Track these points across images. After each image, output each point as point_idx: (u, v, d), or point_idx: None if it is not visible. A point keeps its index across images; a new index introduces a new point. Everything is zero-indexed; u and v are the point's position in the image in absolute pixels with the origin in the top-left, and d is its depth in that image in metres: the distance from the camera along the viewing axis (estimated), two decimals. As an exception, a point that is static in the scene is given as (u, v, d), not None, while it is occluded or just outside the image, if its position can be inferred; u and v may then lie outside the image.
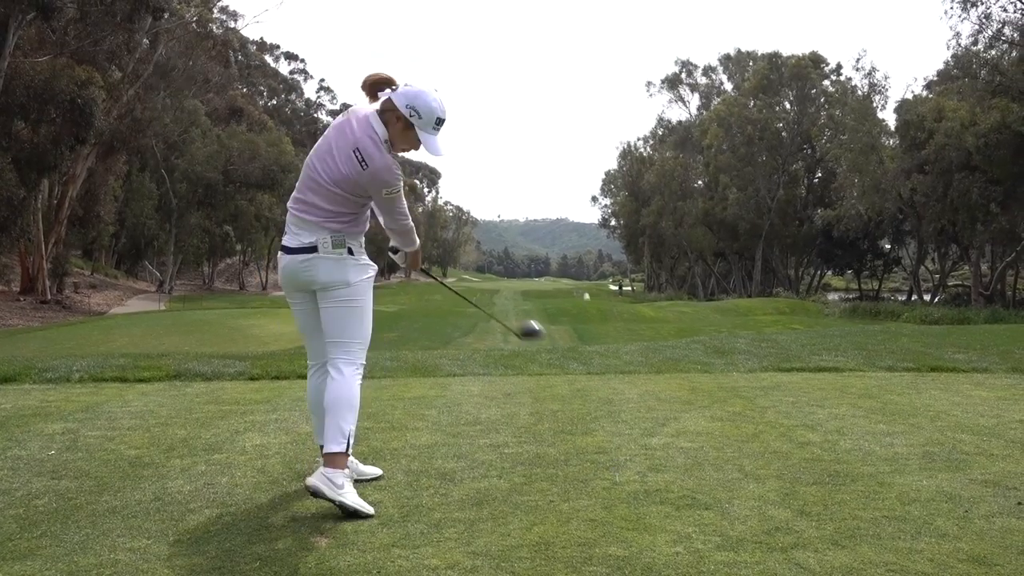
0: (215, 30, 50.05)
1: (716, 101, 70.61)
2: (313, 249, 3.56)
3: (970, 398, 6.07)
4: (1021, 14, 38.15)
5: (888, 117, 53.78)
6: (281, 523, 3.23)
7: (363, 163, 3.45)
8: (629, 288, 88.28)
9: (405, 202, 3.82)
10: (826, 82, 63.99)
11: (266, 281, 65.75)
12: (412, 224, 3.90)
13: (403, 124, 3.50)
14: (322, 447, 3.56)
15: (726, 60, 73.83)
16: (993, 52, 41.68)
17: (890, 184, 47.56)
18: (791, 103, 65.37)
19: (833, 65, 64.24)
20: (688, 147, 73.33)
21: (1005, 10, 38.58)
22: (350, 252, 3.62)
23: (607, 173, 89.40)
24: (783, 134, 64.30)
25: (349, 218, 3.61)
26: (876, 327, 17.75)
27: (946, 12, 73.71)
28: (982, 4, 38.56)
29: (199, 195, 53.29)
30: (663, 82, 76.58)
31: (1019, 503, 3.43)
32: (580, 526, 3.16)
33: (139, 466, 4.10)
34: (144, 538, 3.05)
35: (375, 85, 3.64)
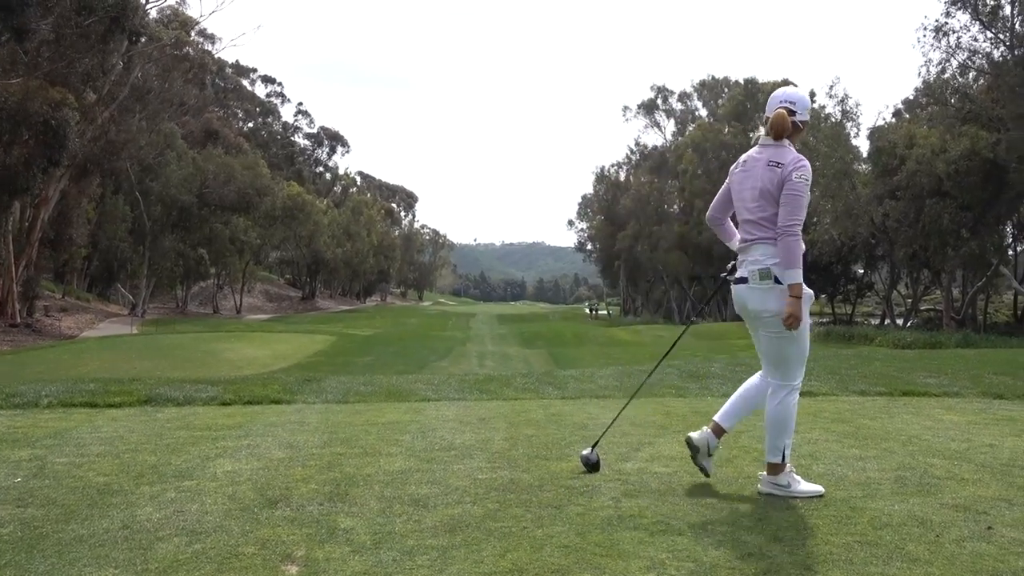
0: (192, 53, 49.95)
1: (691, 127, 71.27)
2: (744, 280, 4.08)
3: (941, 422, 6.13)
4: (990, 44, 38.91)
5: (861, 143, 54.40)
6: (252, 551, 3.19)
7: None
8: (605, 312, 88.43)
9: None
10: (799, 109, 64.80)
11: (240, 304, 65.24)
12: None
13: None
14: (718, 424, 4.26)
15: (701, 87, 74.56)
16: (963, 80, 42.43)
17: (863, 209, 48.11)
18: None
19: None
20: (663, 172, 73.83)
21: (975, 39, 39.33)
22: (777, 281, 3.94)
23: (583, 197, 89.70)
24: (757, 160, 64.96)
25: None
26: (849, 351, 17.91)
27: (918, 40, 74.89)
28: (953, 33, 39.28)
29: (173, 218, 52.89)
30: (639, 107, 77.12)
31: (989, 528, 3.46)
32: (554, 552, 3.15)
33: (107, 493, 4.04)
34: (111, 567, 3.00)
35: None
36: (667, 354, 5.37)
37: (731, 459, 4.78)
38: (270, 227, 63.65)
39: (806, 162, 3.94)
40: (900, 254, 48.23)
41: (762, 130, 4.17)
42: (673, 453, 4.95)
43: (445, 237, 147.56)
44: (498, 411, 6.77)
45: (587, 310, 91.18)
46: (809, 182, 3.93)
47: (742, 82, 67.04)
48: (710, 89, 73.24)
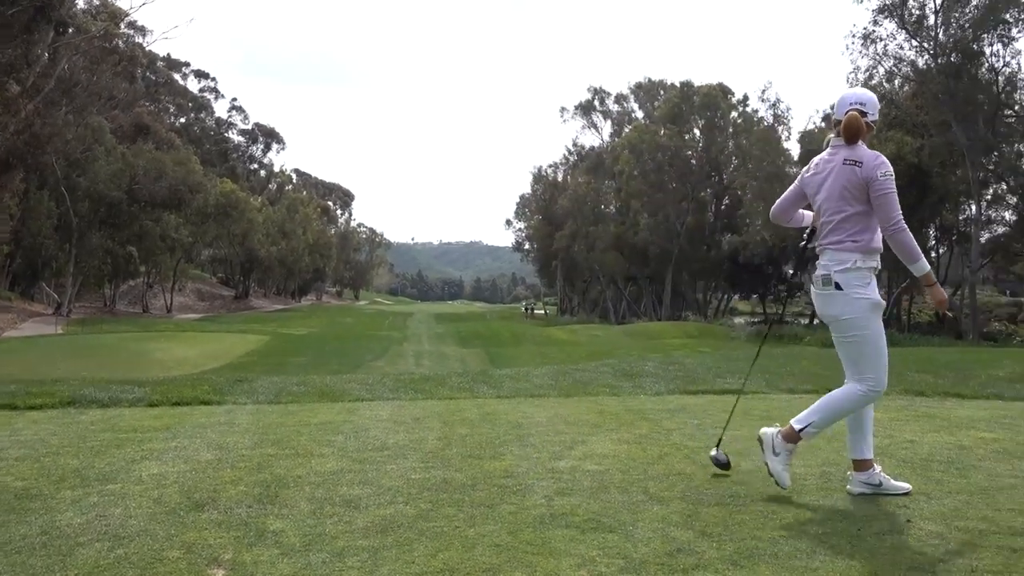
0: (121, 45, 48.65)
1: (628, 128, 71.96)
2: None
3: (865, 419, 6.28)
4: (915, 52, 40.13)
5: (792, 147, 55.79)
6: (177, 555, 3.12)
7: None
8: (542, 312, 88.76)
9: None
10: (734, 112, 66.01)
11: (171, 303, 63.79)
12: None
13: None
14: (855, 460, 4.12)
15: (637, 89, 75.36)
16: (889, 86, 43.70)
17: (793, 212, 49.20)
18: (700, 131, 67.16)
19: (740, 96, 66.31)
20: (600, 172, 74.42)
21: (901, 47, 40.53)
22: (837, 287, 3.97)
23: (521, 197, 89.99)
24: (692, 162, 65.91)
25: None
26: (779, 350, 18.28)
27: (847, 47, 76.99)
28: (880, 41, 40.43)
29: (101, 214, 51.46)
30: (576, 108, 77.70)
31: (908, 521, 3.57)
32: (485, 551, 3.15)
33: (26, 498, 3.91)
34: (28, 575, 2.91)
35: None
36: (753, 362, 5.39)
37: (663, 456, 4.85)
38: (202, 224, 62.35)
39: (884, 158, 3.97)
40: (829, 255, 49.41)
41: (832, 133, 4.16)
42: (606, 451, 4.99)
43: (382, 236, 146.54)
44: (432, 410, 6.75)
45: (523, 309, 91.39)
46: (893, 176, 3.95)
47: (678, 85, 67.95)
48: (646, 91, 74.09)
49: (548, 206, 79.29)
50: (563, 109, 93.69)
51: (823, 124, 53.10)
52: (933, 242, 53.23)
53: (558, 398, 7.62)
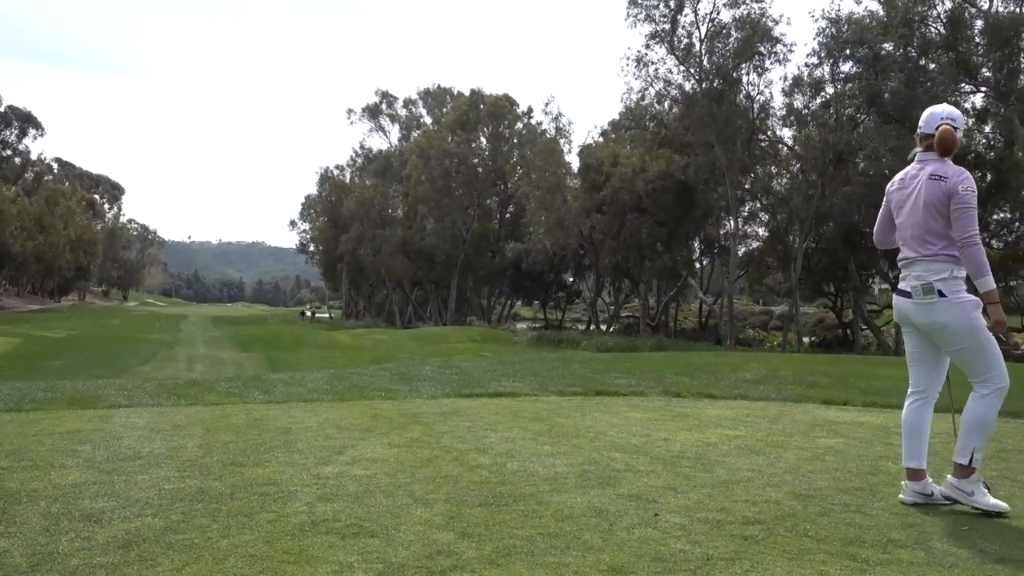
0: None
1: (416, 133, 72.19)
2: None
3: (626, 419, 6.63)
4: (683, 76, 43.02)
5: (572, 160, 58.10)
6: None
7: None
8: (326, 315, 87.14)
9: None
10: (519, 123, 67.85)
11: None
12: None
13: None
14: (907, 469, 4.17)
15: (426, 94, 75.79)
16: (660, 107, 46.62)
17: (573, 222, 51.35)
18: (487, 140, 68.51)
19: (525, 108, 68.32)
20: (388, 176, 74.16)
21: (671, 71, 43.33)
22: (941, 294, 3.97)
23: (307, 198, 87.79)
24: (479, 169, 67.10)
25: None
26: (555, 354, 18.97)
27: (622, 68, 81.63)
28: (652, 64, 43.02)
29: None
30: (364, 111, 76.94)
31: (655, 514, 3.78)
32: (238, 562, 3.01)
33: None
34: None
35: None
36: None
37: (431, 460, 4.86)
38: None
39: (968, 174, 4.02)
40: (604, 264, 52.04)
41: (918, 147, 4.21)
42: (375, 455, 4.94)
43: (155, 233, 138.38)
44: (196, 417, 6.41)
45: (301, 314, 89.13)
46: (975, 192, 3.99)
47: (467, 93, 68.96)
48: (435, 97, 74.66)
49: (334, 208, 77.92)
50: (350, 111, 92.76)
51: (600, 139, 55.81)
52: (698, 253, 57.33)
53: (332, 402, 7.47)
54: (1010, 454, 5.43)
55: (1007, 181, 34.81)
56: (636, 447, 5.40)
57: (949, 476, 4.07)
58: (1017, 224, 39.07)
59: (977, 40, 35.53)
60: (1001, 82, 34.28)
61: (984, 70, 35.59)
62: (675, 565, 3.10)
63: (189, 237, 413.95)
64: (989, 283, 3.94)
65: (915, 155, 4.26)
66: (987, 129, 39.84)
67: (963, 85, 36.85)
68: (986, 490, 3.99)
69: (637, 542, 3.37)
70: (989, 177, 36.73)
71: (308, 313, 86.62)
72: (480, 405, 7.32)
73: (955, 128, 4.10)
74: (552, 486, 4.28)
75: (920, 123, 4.22)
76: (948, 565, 3.18)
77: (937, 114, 4.18)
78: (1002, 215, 39.56)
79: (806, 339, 47.94)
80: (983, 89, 36.48)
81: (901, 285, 4.23)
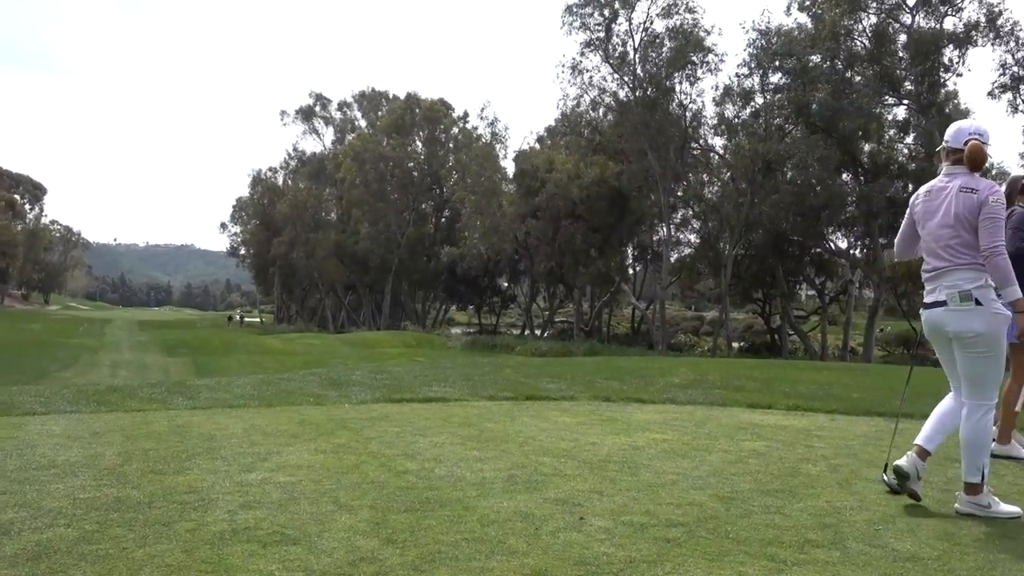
0: None
1: (351, 136, 71.61)
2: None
3: (556, 424, 6.65)
4: (617, 84, 43.53)
5: (508, 165, 58.31)
6: None
7: None
8: (257, 320, 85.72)
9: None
10: (455, 128, 67.82)
11: None
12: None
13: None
14: (915, 445, 4.33)
15: (361, 97, 75.27)
16: (594, 114, 47.10)
17: (508, 227, 51.55)
18: (423, 144, 68.32)
19: (461, 112, 68.33)
20: (322, 179, 73.45)
21: (605, 79, 43.82)
22: (978, 303, 4.05)
23: (238, 200, 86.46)
24: (414, 173, 66.88)
25: None
26: (488, 359, 18.97)
27: (558, 75, 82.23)
28: (587, 72, 43.46)
29: None
30: (297, 113, 76.13)
31: (581, 518, 3.80)
32: (154, 573, 2.95)
33: None
34: None
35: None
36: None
37: (358, 465, 4.81)
38: None
39: (999, 187, 4.12)
40: (539, 269, 52.34)
41: (946, 161, 4.28)
42: (301, 462, 4.87)
43: (79, 235, 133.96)
44: (116, 424, 6.24)
45: (228, 319, 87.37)
46: (1004, 205, 4.06)
47: (402, 96, 68.69)
48: (370, 100, 74.21)
49: (266, 210, 76.89)
50: (283, 112, 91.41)
51: (536, 145, 56.11)
52: (631, 259, 58.00)
53: (259, 408, 7.34)
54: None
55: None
56: (564, 451, 5.43)
57: (961, 494, 4.18)
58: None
59: (900, 54, 36.73)
60: (922, 95, 35.48)
61: (907, 83, 36.80)
62: (598, 568, 3.13)
63: (115, 239, 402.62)
64: (1016, 292, 4.06)
65: (942, 168, 4.34)
66: (909, 140, 41.24)
67: (887, 97, 38.06)
68: (998, 500, 4.15)
69: (562, 546, 3.39)
70: (910, 187, 37.98)
71: (236, 317, 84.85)
72: (410, 410, 7.27)
73: (984, 143, 4.20)
74: (479, 491, 4.27)
75: (947, 137, 4.30)
76: (862, 564, 3.27)
77: (965, 129, 4.28)
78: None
79: (736, 344, 48.88)
80: (906, 102, 37.72)
81: (930, 298, 4.28)
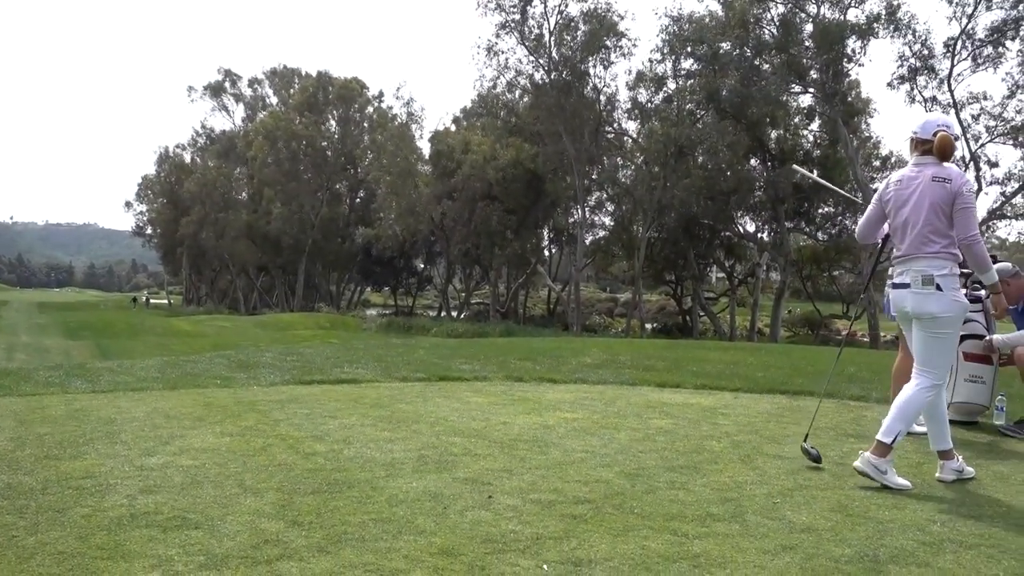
0: None
1: (262, 114, 69.86)
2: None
3: (468, 404, 6.66)
4: (533, 67, 43.57)
5: (424, 146, 57.83)
6: None
7: None
8: (166, 301, 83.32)
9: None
10: (369, 107, 66.88)
11: None
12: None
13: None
14: (938, 452, 4.52)
15: (272, 74, 73.41)
16: (510, 96, 47.05)
17: (424, 208, 51.21)
18: (336, 123, 67.18)
19: (376, 92, 67.42)
20: (232, 158, 71.52)
21: (521, 61, 43.80)
22: (939, 288, 4.28)
23: (144, 178, 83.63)
24: (328, 153, 65.72)
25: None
26: (402, 340, 18.86)
27: (474, 57, 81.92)
28: (503, 54, 43.35)
29: None
30: (206, 89, 73.76)
31: (489, 496, 3.82)
32: (45, 561, 2.84)
33: None
34: None
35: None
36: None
37: (265, 448, 4.73)
38: None
39: (968, 176, 4.27)
40: (455, 251, 52.23)
41: (915, 152, 4.47)
42: (206, 445, 4.76)
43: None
44: (9, 408, 5.98)
45: (132, 299, 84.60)
46: (975, 193, 4.20)
47: (314, 74, 67.37)
48: (282, 78, 72.51)
49: (174, 189, 74.63)
50: (191, 88, 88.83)
51: (452, 126, 55.80)
52: (547, 241, 58.36)
53: (163, 391, 7.14)
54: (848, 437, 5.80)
55: (831, 177, 37.09)
56: (475, 431, 5.44)
57: (866, 452, 4.37)
58: (840, 218, 41.79)
59: (807, 43, 37.69)
60: (827, 84, 36.50)
61: (812, 72, 37.79)
62: (505, 545, 3.15)
63: (11, 218, 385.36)
64: (992, 277, 4.50)
65: (911, 159, 4.55)
66: (814, 127, 42.47)
67: (793, 86, 39.03)
68: (894, 471, 4.35)
69: (469, 524, 3.40)
70: (816, 173, 39.20)
71: (141, 299, 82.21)
72: (321, 392, 7.18)
73: (952, 135, 4.43)
74: (388, 472, 4.25)
75: (916, 129, 4.49)
76: (760, 536, 3.38)
77: (933, 121, 4.49)
78: (827, 209, 42.25)
79: (648, 325, 49.77)
80: (811, 90, 38.75)
81: (897, 279, 4.52)
